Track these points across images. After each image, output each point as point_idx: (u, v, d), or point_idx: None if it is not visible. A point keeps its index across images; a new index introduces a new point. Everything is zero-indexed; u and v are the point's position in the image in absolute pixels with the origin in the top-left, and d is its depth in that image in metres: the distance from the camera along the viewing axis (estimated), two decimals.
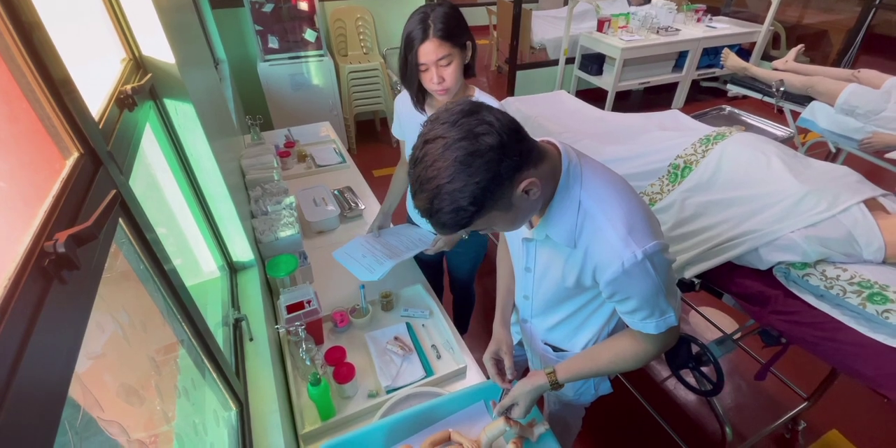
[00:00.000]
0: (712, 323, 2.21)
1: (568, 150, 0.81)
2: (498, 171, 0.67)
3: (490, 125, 0.67)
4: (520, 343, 1.28)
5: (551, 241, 0.85)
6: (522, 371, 1.25)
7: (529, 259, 0.96)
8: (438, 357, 1.31)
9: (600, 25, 4.03)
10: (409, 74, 1.20)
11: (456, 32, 1.13)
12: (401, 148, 1.61)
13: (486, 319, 1.81)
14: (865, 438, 1.80)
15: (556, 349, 1.11)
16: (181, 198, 1.20)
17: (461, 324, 2.02)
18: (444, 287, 1.99)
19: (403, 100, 1.38)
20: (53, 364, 0.44)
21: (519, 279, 1.06)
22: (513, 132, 0.69)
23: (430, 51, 1.12)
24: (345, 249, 1.55)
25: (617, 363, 0.93)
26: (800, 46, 2.82)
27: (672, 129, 1.79)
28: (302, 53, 3.32)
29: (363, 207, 1.89)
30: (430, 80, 1.18)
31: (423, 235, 1.61)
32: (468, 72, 1.23)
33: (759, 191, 1.36)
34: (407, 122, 1.42)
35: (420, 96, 1.28)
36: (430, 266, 1.77)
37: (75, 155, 0.60)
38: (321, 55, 3.35)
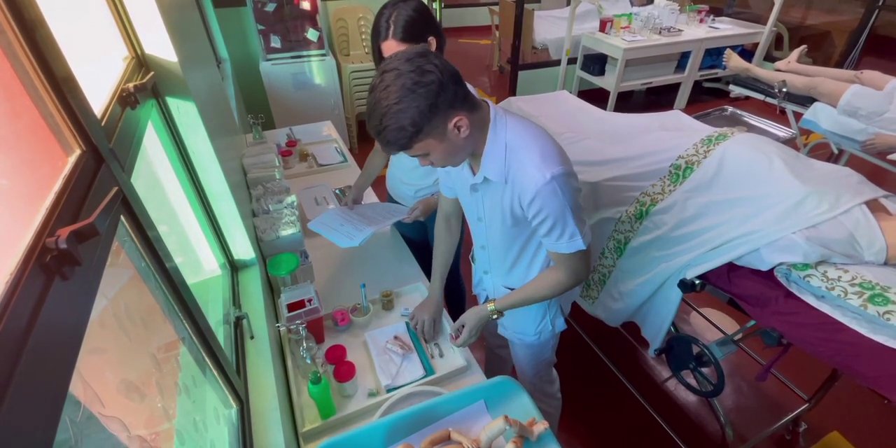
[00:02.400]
0: (713, 324, 2.21)
1: (495, 107, 0.99)
2: (435, 102, 0.83)
3: (435, 66, 0.84)
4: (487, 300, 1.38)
5: (490, 182, 1.01)
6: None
7: (479, 208, 1.12)
8: (442, 355, 1.31)
9: (602, 26, 4.03)
10: (378, 61, 1.34)
11: (413, 33, 1.25)
12: None
13: None
14: (866, 440, 1.80)
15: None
16: (183, 196, 1.20)
17: (457, 317, 2.02)
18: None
19: None
20: (55, 360, 0.44)
21: (474, 231, 1.22)
22: (453, 75, 0.86)
23: (389, 48, 1.26)
24: (321, 220, 1.58)
25: (539, 291, 1.12)
26: (802, 47, 2.82)
27: (674, 130, 1.79)
28: (304, 53, 3.32)
29: None
30: None
31: (398, 208, 1.67)
32: None
33: (760, 191, 1.36)
34: None
35: None
36: (418, 247, 1.80)
37: (77, 152, 0.60)
38: (323, 54, 3.35)
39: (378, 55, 1.32)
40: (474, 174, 1.05)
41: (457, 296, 2.01)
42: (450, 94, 0.85)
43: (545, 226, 0.98)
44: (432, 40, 1.30)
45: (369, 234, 1.46)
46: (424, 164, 0.98)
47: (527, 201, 0.95)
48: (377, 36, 1.27)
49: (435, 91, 0.83)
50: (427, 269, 1.59)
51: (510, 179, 0.97)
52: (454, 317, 1.44)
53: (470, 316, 1.22)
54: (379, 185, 1.78)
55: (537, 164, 0.91)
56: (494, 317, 1.19)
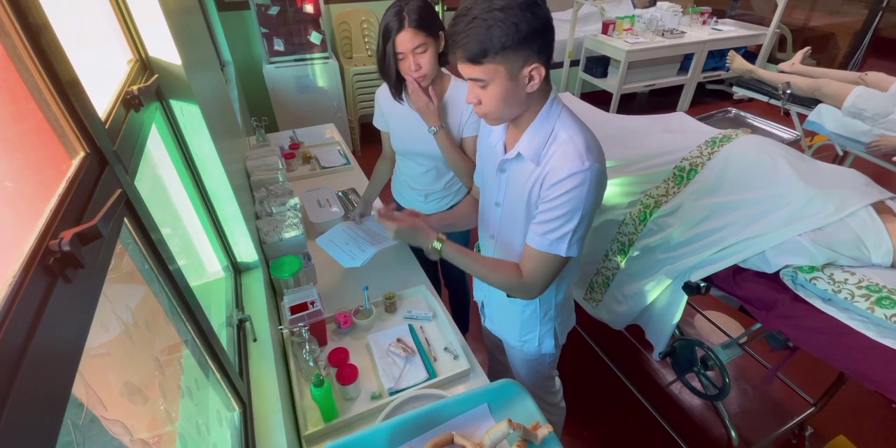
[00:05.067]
0: (718, 327, 2.20)
1: (557, 93, 0.97)
2: (532, 34, 0.80)
3: (547, 10, 0.82)
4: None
5: (520, 162, 0.98)
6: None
7: (500, 192, 1.07)
8: (454, 357, 1.30)
9: (605, 28, 4.03)
10: (387, 64, 1.28)
11: (429, 22, 1.22)
12: (383, 140, 1.63)
13: None
14: (873, 444, 1.78)
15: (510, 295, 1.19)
16: (186, 198, 1.21)
17: (461, 320, 2.01)
18: (440, 282, 1.99)
19: (384, 91, 1.46)
20: (57, 362, 0.44)
21: (487, 219, 1.17)
22: (552, 30, 0.84)
23: (406, 40, 1.21)
24: (328, 236, 1.59)
25: (489, 269, 1.05)
26: (806, 49, 2.81)
27: (677, 132, 1.78)
28: (307, 56, 3.34)
29: None
30: (408, 68, 1.27)
31: None
32: (442, 59, 1.31)
33: (765, 193, 1.35)
34: (389, 113, 1.50)
35: (398, 85, 1.37)
36: (420, 250, 1.77)
37: (81, 155, 0.60)
38: (326, 57, 3.37)
39: (392, 55, 1.25)
40: (506, 152, 1.02)
41: (462, 302, 2.00)
42: (544, 40, 0.82)
43: (547, 213, 0.93)
44: (442, 35, 1.27)
45: (372, 254, 1.45)
46: (471, 100, 0.91)
47: (552, 181, 0.91)
48: (389, 32, 1.21)
49: (538, 26, 0.80)
50: (430, 273, 1.58)
51: (544, 162, 0.93)
52: (458, 323, 1.45)
53: (406, 230, 1.07)
54: (385, 190, 1.76)
55: (581, 152, 0.89)
56: (432, 254, 1.07)
